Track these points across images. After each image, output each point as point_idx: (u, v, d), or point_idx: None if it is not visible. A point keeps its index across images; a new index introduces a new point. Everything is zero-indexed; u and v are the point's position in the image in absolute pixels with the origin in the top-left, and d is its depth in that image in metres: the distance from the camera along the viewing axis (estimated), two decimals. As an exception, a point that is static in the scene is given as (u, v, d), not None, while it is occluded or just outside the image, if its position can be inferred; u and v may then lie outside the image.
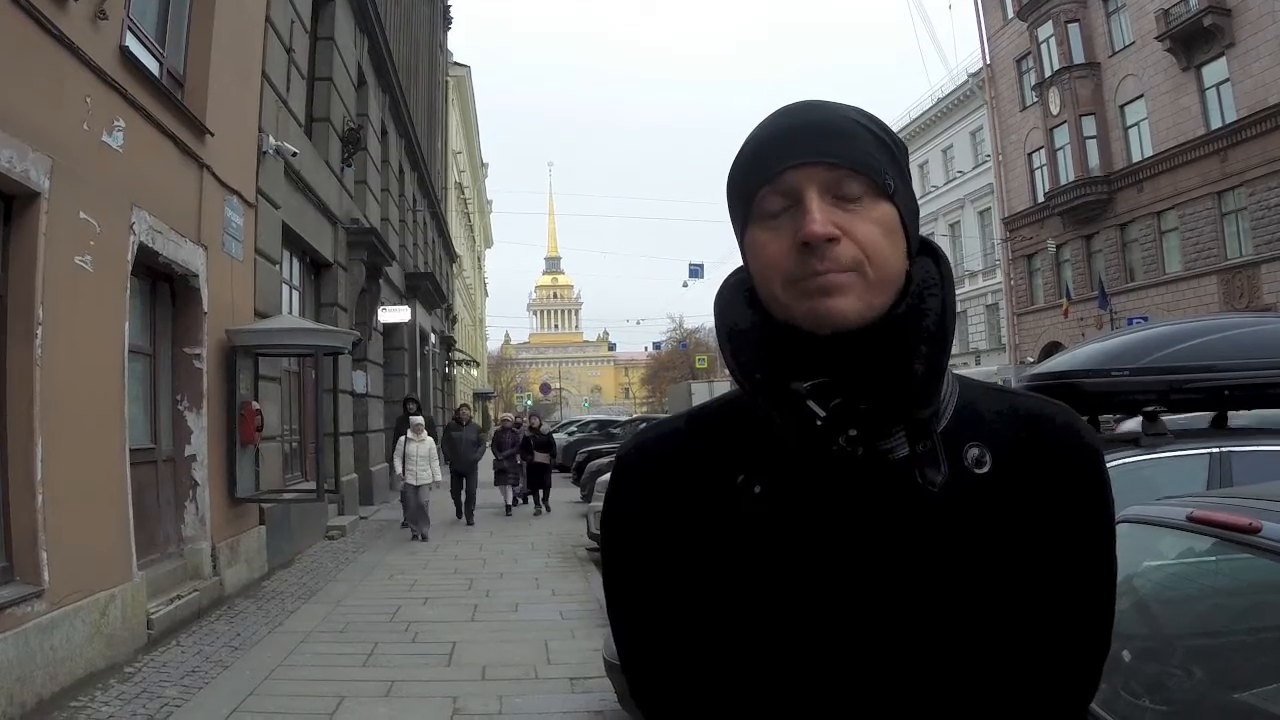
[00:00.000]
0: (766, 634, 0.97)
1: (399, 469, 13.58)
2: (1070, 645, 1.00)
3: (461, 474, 15.43)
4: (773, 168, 0.97)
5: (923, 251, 1.04)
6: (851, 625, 0.94)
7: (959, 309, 1.03)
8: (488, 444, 16.94)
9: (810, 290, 0.94)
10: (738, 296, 1.06)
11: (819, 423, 0.96)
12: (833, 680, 0.95)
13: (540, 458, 17.43)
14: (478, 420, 19.71)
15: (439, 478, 13.82)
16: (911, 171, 1.05)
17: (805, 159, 0.95)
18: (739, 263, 1.10)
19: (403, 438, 13.73)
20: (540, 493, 17.37)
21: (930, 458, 0.97)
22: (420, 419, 14.02)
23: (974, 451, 1.00)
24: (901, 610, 0.94)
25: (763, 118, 1.05)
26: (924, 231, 1.06)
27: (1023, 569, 0.96)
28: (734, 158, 1.04)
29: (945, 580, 0.94)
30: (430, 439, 13.91)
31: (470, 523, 15.12)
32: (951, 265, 1.07)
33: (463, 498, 15.44)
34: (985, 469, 0.99)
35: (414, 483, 13.37)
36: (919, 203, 1.08)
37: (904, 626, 0.94)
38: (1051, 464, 1.01)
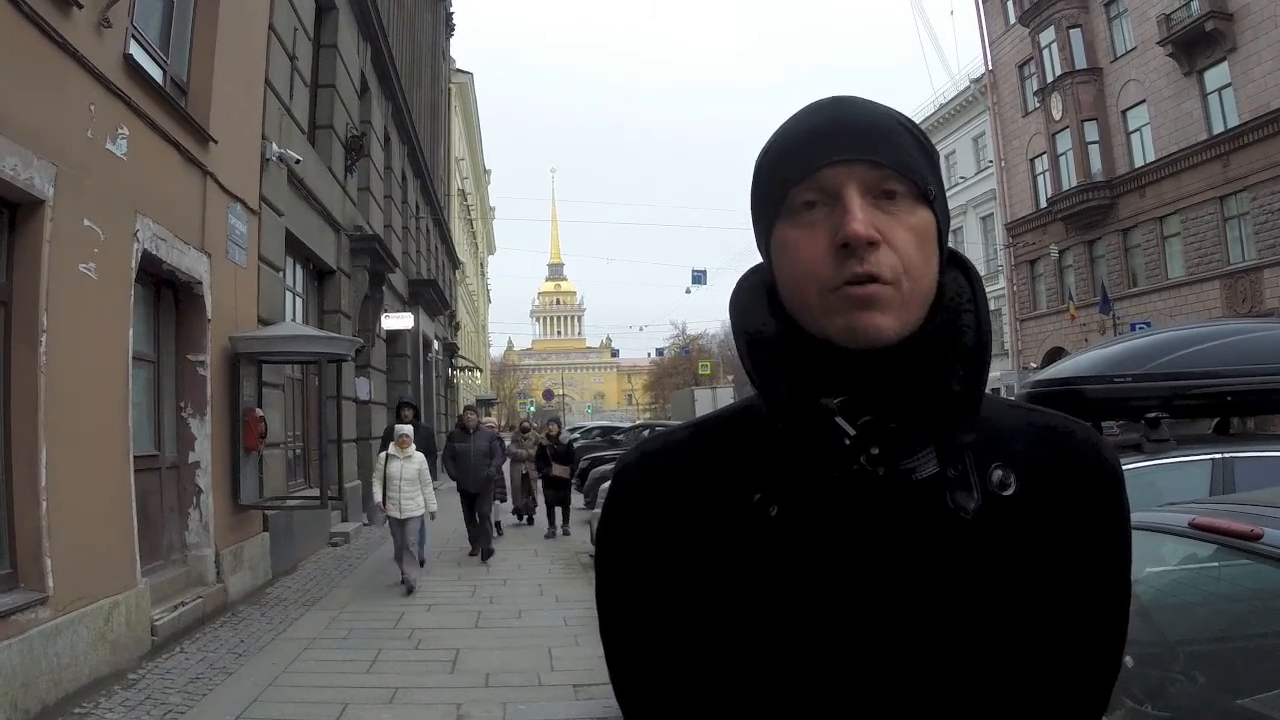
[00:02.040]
0: (780, 661, 0.91)
1: (378, 496, 10.12)
2: (1084, 666, 0.97)
3: (471, 495, 12.36)
4: (811, 163, 0.91)
5: (952, 263, 1.00)
6: (871, 654, 0.89)
7: (990, 313, 0.98)
8: (505, 455, 13.80)
9: (848, 302, 0.88)
10: (758, 300, 1.00)
11: (847, 441, 0.91)
12: (848, 708, 0.90)
13: (559, 471, 15.01)
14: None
15: (433, 507, 10.36)
16: (940, 167, 1.00)
17: (848, 156, 0.90)
18: (741, 269, 1.06)
19: (383, 454, 10.29)
20: (560, 512, 14.92)
21: (963, 482, 0.92)
22: (407, 427, 10.48)
23: (998, 473, 0.94)
24: (925, 640, 0.89)
25: (771, 125, 0.99)
26: None
27: (1043, 591, 0.92)
28: (763, 149, 0.99)
29: (971, 607, 0.90)
30: (420, 455, 10.27)
31: (489, 552, 12.19)
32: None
33: (478, 520, 12.41)
34: (1010, 491, 0.94)
35: (399, 515, 9.87)
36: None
37: (926, 656, 0.89)
38: (1073, 485, 0.97)
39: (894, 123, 0.94)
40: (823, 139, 0.92)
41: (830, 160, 0.90)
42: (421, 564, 10.63)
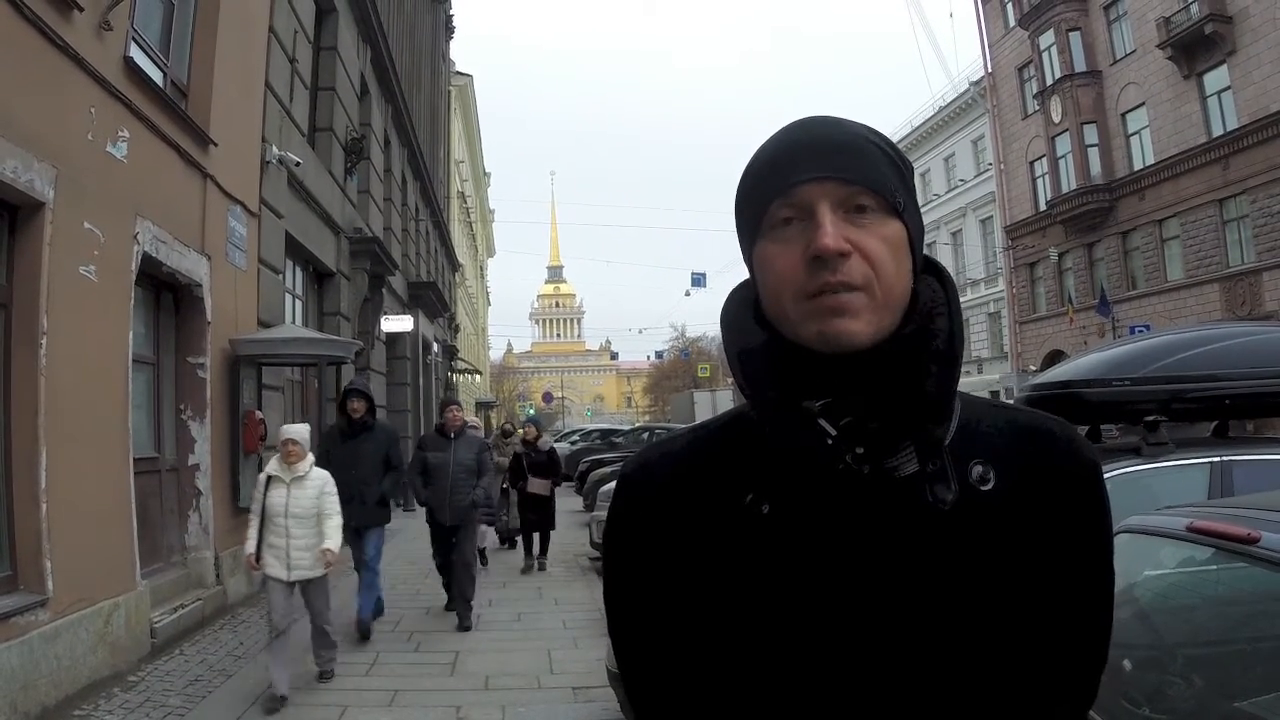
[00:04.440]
0: (776, 652, 0.96)
1: (250, 545, 6.26)
2: (1069, 658, 1.01)
3: (446, 529, 8.63)
4: (785, 181, 0.96)
5: (927, 269, 1.04)
6: (861, 643, 0.94)
7: (962, 318, 1.02)
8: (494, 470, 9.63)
9: (821, 310, 0.93)
10: (745, 314, 1.05)
11: (829, 441, 0.96)
12: (840, 696, 0.94)
13: (538, 487, 11.55)
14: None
15: (333, 541, 6.32)
16: (914, 180, 1.05)
17: (819, 173, 0.95)
18: (741, 272, 1.09)
19: (263, 474, 6.44)
20: (538, 539, 11.70)
21: (941, 475, 0.97)
22: (297, 428, 6.56)
23: (978, 469, 0.99)
24: (911, 629, 0.93)
25: (771, 131, 1.04)
26: (925, 240, 1.06)
27: (1025, 584, 0.97)
28: (744, 170, 1.04)
29: (954, 597, 0.94)
30: (321, 475, 6.46)
31: (466, 625, 8.22)
32: (955, 280, 1.06)
33: (453, 569, 8.65)
34: (989, 486, 0.99)
35: (284, 576, 6.19)
36: (921, 211, 1.08)
37: (913, 645, 0.93)
38: (1052, 480, 1.01)
39: (864, 141, 0.99)
40: (797, 158, 0.98)
41: (804, 178, 0.96)
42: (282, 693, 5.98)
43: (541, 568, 11.51)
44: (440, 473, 8.49)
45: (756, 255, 1.01)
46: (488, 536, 11.48)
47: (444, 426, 8.79)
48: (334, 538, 6.36)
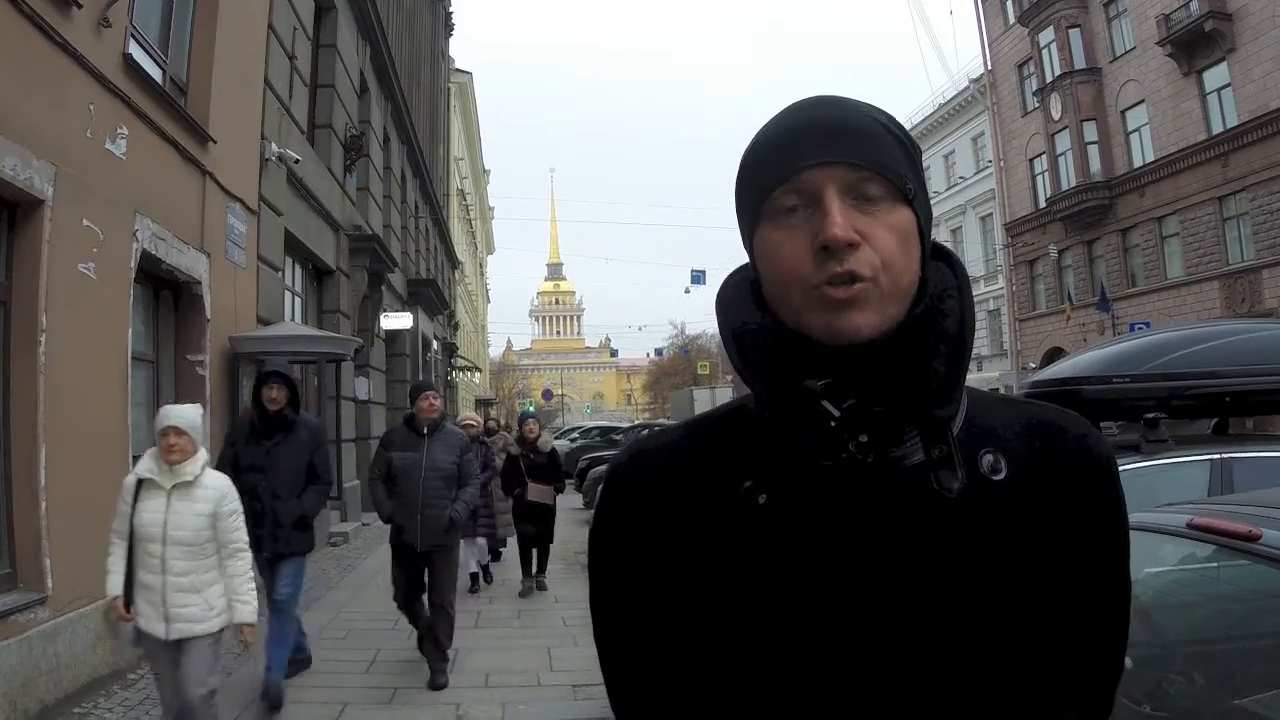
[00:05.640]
0: (773, 649, 0.91)
1: (114, 584, 4.37)
2: (1081, 661, 0.97)
3: (419, 556, 6.55)
4: (790, 166, 0.91)
5: (936, 256, 1.00)
6: (866, 639, 0.89)
7: (973, 302, 1.00)
8: (482, 473, 8.75)
9: (827, 301, 0.89)
10: (743, 296, 1.01)
11: (832, 423, 0.91)
12: (841, 696, 0.89)
13: (537, 494, 9.64)
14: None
15: (246, 616, 4.51)
16: (922, 162, 1.01)
17: (826, 158, 0.90)
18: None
19: (131, 478, 4.37)
20: (536, 555, 9.88)
21: (946, 462, 0.92)
22: (184, 410, 4.37)
23: (988, 458, 0.95)
24: (918, 623, 0.89)
25: (776, 112, 0.99)
26: None
27: (1038, 580, 0.92)
28: (745, 152, 0.99)
29: (963, 590, 0.90)
30: (220, 482, 4.46)
31: (439, 682, 6.30)
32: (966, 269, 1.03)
33: (424, 611, 6.68)
34: (1001, 475, 0.95)
35: (161, 634, 4.26)
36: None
37: (921, 640, 0.88)
38: (1066, 474, 0.97)
39: (872, 122, 0.94)
40: (801, 142, 0.92)
41: (809, 163, 0.91)
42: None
43: (542, 587, 9.75)
44: (409, 479, 6.48)
45: (758, 241, 0.97)
46: (475, 554, 9.84)
47: (415, 419, 6.68)
48: (248, 600, 4.41)
